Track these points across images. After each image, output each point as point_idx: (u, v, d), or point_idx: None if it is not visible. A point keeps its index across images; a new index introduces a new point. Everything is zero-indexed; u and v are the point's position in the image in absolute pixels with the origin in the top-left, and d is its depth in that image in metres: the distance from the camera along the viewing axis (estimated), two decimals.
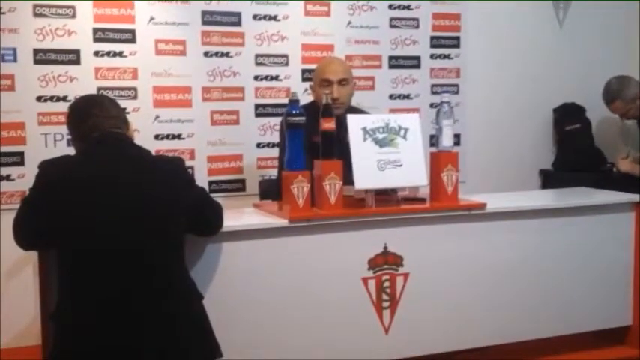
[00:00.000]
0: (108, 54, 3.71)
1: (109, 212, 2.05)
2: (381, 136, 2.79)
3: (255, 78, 4.04)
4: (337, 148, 2.74)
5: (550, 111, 4.78)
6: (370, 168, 2.74)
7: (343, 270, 2.75)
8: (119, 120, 2.27)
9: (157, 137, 3.83)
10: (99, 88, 3.65)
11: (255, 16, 3.99)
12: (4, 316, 3.47)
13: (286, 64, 4.09)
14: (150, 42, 3.79)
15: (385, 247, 2.81)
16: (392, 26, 4.32)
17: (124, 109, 3.53)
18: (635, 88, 4.16)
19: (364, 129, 2.77)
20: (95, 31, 3.67)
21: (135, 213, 2.08)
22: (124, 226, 2.06)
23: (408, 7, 4.34)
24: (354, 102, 3.35)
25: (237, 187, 4.05)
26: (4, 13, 3.50)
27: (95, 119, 2.20)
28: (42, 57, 3.59)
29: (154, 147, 3.53)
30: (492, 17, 4.54)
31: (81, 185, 2.06)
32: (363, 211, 2.77)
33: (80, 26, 3.64)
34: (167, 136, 3.86)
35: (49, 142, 3.61)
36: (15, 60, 3.53)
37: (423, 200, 2.92)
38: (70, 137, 2.35)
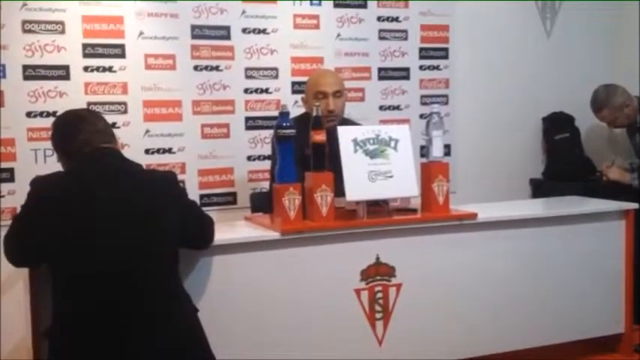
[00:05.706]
0: (97, 69, 3.70)
1: (105, 226, 2.05)
2: (371, 148, 2.79)
3: (245, 91, 4.03)
4: (331, 159, 2.74)
5: (539, 120, 4.80)
6: (361, 179, 2.75)
7: (336, 282, 2.75)
8: (107, 134, 2.28)
9: (147, 151, 3.82)
10: (89, 103, 3.64)
11: (244, 30, 4.00)
12: None
13: (276, 76, 4.09)
14: (139, 56, 3.78)
15: (377, 258, 2.81)
16: (381, 38, 4.33)
17: (114, 123, 3.61)
18: (622, 97, 4.17)
19: (355, 140, 2.78)
20: (85, 46, 3.66)
21: (131, 227, 2.08)
22: (120, 240, 2.06)
23: (396, 19, 4.36)
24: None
25: (228, 200, 4.04)
26: None
27: (84, 135, 2.20)
28: (31, 73, 3.57)
29: (144, 161, 3.51)
30: (480, 28, 4.57)
31: (75, 201, 2.06)
32: (354, 222, 2.77)
33: (69, 42, 3.62)
34: (157, 150, 3.86)
35: (38, 158, 3.59)
36: (4, 76, 3.52)
37: (414, 211, 2.93)
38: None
